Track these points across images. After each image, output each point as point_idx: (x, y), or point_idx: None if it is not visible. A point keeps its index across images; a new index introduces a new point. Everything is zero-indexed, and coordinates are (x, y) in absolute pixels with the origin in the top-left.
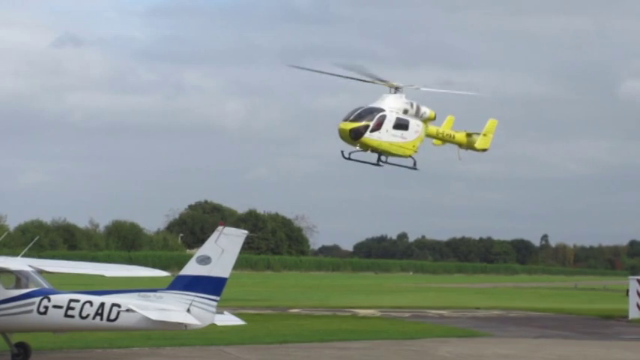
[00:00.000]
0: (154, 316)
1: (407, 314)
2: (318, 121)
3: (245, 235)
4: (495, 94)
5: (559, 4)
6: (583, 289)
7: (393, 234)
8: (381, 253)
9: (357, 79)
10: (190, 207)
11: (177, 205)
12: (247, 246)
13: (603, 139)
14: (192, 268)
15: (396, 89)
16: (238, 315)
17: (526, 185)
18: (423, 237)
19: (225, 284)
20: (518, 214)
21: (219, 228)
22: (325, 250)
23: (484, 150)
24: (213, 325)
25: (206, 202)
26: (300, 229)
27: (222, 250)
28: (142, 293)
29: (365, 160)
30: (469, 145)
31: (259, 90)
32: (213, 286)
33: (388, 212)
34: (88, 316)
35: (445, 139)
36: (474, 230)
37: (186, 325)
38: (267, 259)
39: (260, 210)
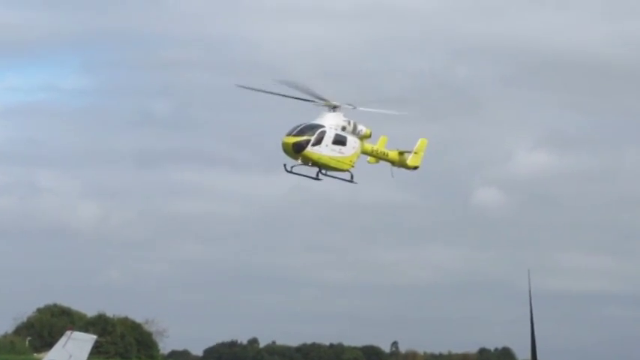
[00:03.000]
0: None
1: None
2: (171, 224)
3: (93, 340)
4: (351, 199)
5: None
6: None
7: (243, 339)
8: (231, 358)
9: (298, 98)
10: (39, 310)
11: (25, 308)
12: (96, 350)
13: (454, 247)
14: None
15: (335, 108)
16: None
17: (377, 291)
18: (274, 342)
19: None
20: (369, 320)
21: (68, 332)
22: (175, 355)
23: (415, 168)
24: None
25: (55, 305)
26: (149, 334)
27: (69, 355)
28: None
29: (305, 173)
30: (401, 163)
31: (114, 192)
32: None
33: (239, 316)
34: None
35: (379, 157)
36: (325, 336)
37: None
38: None
39: (110, 313)
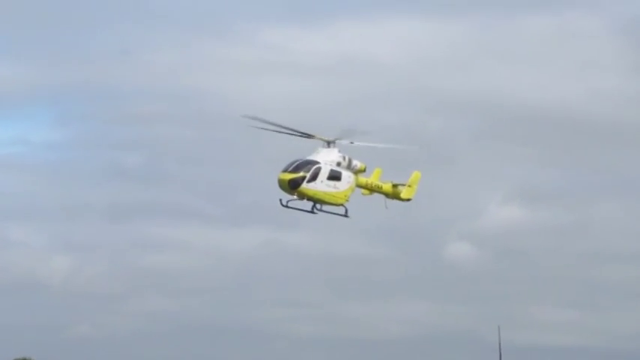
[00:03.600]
0: None
1: None
2: (143, 278)
3: None
4: (323, 253)
5: (389, 164)
6: None
7: None
8: None
9: (296, 134)
10: None
11: None
12: None
13: (426, 301)
14: None
15: (330, 143)
16: None
17: (348, 345)
18: None
19: None
20: None
21: None
22: None
23: (408, 199)
24: None
25: (25, 359)
26: None
27: None
28: None
29: (301, 207)
30: (395, 195)
31: (85, 246)
32: None
33: None
34: None
35: (373, 190)
36: None
37: None
38: None
39: None
